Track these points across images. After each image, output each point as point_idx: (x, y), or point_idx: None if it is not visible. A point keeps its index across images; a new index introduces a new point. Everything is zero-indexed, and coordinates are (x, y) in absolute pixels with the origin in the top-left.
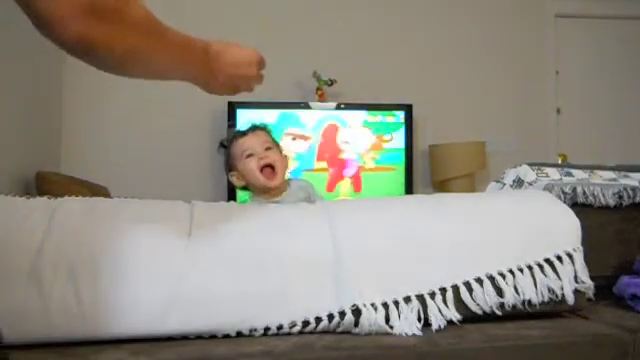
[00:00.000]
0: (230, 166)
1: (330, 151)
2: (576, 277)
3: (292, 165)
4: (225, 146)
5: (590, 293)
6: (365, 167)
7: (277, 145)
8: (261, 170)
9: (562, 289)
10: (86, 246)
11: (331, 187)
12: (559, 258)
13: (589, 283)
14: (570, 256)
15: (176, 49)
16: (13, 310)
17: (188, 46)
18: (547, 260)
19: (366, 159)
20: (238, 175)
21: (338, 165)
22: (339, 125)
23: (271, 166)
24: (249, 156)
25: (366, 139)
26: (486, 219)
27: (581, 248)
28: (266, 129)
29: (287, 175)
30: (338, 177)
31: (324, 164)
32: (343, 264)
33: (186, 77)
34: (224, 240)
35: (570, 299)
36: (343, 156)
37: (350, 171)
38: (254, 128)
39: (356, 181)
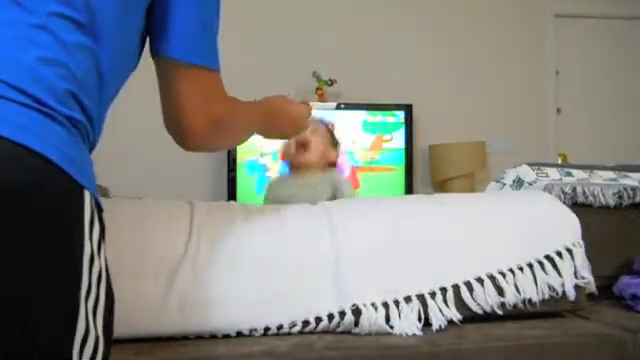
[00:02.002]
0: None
1: None
2: (576, 273)
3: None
4: None
5: (592, 288)
6: (364, 167)
7: (329, 138)
8: (297, 147)
9: (563, 286)
10: None
11: None
12: (559, 254)
13: (589, 278)
14: (570, 252)
15: (248, 121)
16: None
17: (255, 113)
18: (547, 257)
19: (365, 159)
20: (282, 150)
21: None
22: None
23: (305, 144)
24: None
25: (366, 139)
26: (486, 219)
27: (582, 243)
28: (322, 122)
29: (326, 165)
30: None
31: None
32: (343, 264)
33: (252, 135)
34: (224, 240)
35: (571, 295)
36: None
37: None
38: (314, 118)
39: (353, 181)
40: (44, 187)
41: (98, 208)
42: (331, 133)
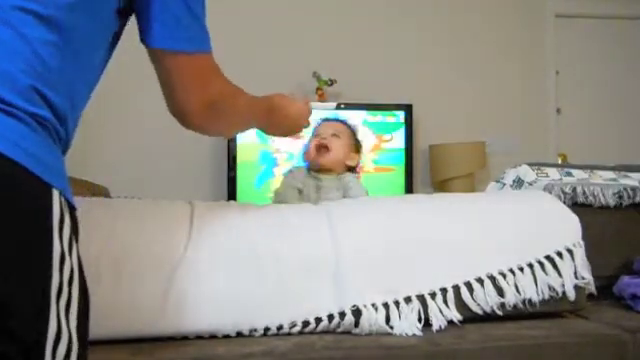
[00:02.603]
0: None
1: None
2: (576, 273)
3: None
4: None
5: (592, 288)
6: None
7: (352, 141)
8: (317, 148)
9: (563, 286)
10: (85, 246)
11: None
12: (559, 254)
13: (589, 278)
14: (570, 252)
15: (248, 110)
16: None
17: (255, 106)
18: (547, 257)
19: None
20: (305, 150)
21: None
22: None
23: (326, 147)
24: (316, 136)
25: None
26: (486, 219)
27: (582, 243)
28: (347, 125)
29: (344, 169)
30: None
31: None
32: (343, 264)
33: (252, 127)
34: (224, 240)
35: (571, 295)
36: None
37: None
38: (339, 119)
39: None
40: (7, 187)
41: (70, 207)
42: (355, 137)
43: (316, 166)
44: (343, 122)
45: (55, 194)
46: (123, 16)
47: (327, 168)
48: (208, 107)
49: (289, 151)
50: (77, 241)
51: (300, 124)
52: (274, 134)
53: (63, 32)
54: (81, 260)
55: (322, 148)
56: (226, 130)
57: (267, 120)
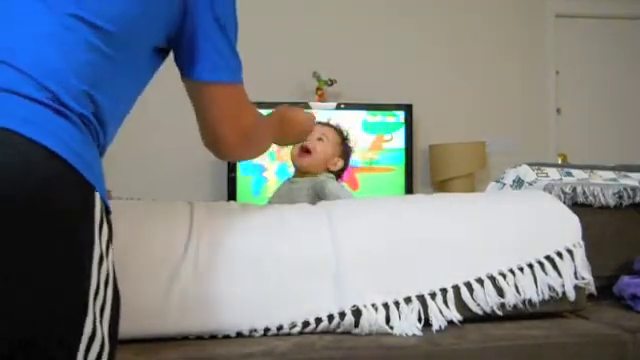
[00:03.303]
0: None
1: None
2: (576, 273)
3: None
4: None
5: (592, 288)
6: (364, 167)
7: (339, 145)
8: (299, 151)
9: (563, 286)
10: None
11: None
12: (559, 254)
13: (589, 278)
14: (570, 252)
15: (268, 131)
16: None
17: (271, 125)
18: (547, 257)
19: (365, 159)
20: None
21: None
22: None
23: (307, 150)
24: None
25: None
26: (486, 219)
27: (582, 244)
28: (336, 129)
29: (326, 172)
30: None
31: None
32: (343, 264)
33: (271, 142)
34: (224, 240)
35: (571, 295)
36: None
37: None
38: (327, 123)
39: (351, 182)
40: (58, 186)
41: (107, 210)
42: (343, 142)
43: (299, 168)
44: (333, 127)
45: (97, 196)
46: (160, 54)
47: (307, 170)
48: (244, 137)
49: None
50: (112, 245)
51: (307, 129)
52: (285, 144)
53: (116, 44)
54: (114, 263)
55: (305, 151)
56: (257, 154)
57: (281, 132)
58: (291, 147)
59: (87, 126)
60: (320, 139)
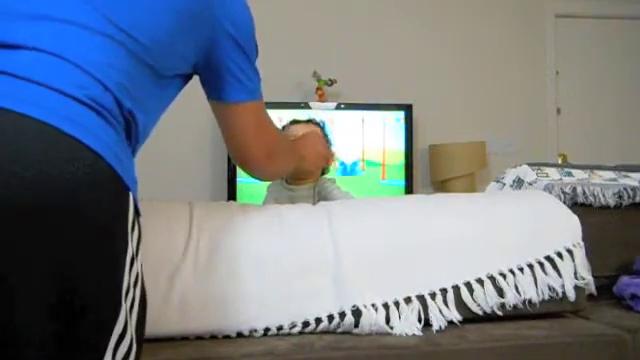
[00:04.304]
0: None
1: None
2: (576, 273)
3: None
4: (283, 128)
5: (592, 289)
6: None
7: (325, 141)
8: None
9: (563, 286)
10: None
11: None
12: (559, 255)
13: (589, 279)
14: (570, 252)
15: (291, 148)
16: None
17: (292, 144)
18: (547, 257)
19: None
20: None
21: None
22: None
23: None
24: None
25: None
26: (486, 219)
27: (582, 244)
28: (320, 125)
29: (323, 171)
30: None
31: None
32: (343, 265)
33: (295, 161)
34: (224, 240)
35: (571, 296)
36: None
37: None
38: (309, 121)
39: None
40: (98, 185)
41: (137, 212)
42: (326, 137)
43: (296, 175)
44: (315, 123)
45: (131, 198)
46: (184, 79)
47: (307, 175)
48: (268, 151)
49: None
50: (140, 246)
51: (321, 150)
52: (307, 167)
53: (150, 55)
54: (142, 264)
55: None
56: (282, 171)
57: (300, 155)
58: None
59: (122, 126)
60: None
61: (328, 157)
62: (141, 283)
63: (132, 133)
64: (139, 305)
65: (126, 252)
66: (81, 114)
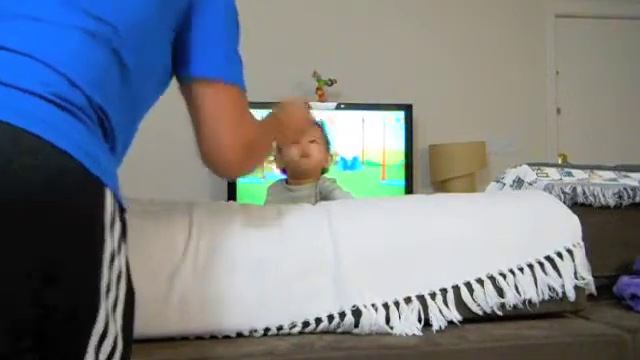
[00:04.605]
0: (279, 149)
1: None
2: (576, 273)
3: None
4: None
5: (592, 288)
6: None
7: (325, 142)
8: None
9: (563, 286)
10: None
11: None
12: (559, 255)
13: (589, 279)
14: (570, 252)
15: (269, 133)
16: None
17: (271, 125)
18: (547, 257)
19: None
20: (280, 157)
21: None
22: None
23: (307, 155)
24: (294, 143)
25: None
26: (486, 219)
27: (582, 244)
28: (320, 125)
29: (323, 171)
30: None
31: None
32: (343, 265)
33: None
34: (224, 240)
35: (571, 296)
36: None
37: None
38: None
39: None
40: (67, 185)
41: (120, 208)
42: (327, 137)
43: (298, 174)
44: (318, 125)
45: (108, 193)
46: (161, 82)
47: (307, 175)
48: (243, 147)
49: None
50: (125, 242)
51: (305, 125)
52: (285, 143)
53: (126, 46)
54: (128, 262)
55: (304, 156)
56: (258, 164)
57: (280, 128)
58: (291, 154)
59: (95, 122)
60: (313, 141)
61: (309, 121)
62: (126, 280)
63: (107, 130)
64: (125, 302)
65: (103, 249)
66: (46, 112)
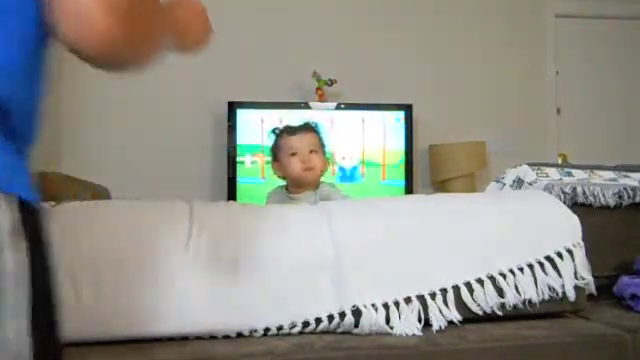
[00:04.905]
0: (275, 155)
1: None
2: (576, 273)
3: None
4: (275, 134)
5: (592, 288)
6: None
7: (322, 147)
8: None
9: (563, 286)
10: (85, 247)
11: None
12: (559, 255)
13: (588, 279)
14: (570, 252)
15: (160, 11)
16: None
17: (167, 9)
18: (547, 257)
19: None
20: (279, 165)
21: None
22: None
23: (311, 168)
24: (294, 154)
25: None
26: (486, 219)
27: (582, 244)
28: (315, 130)
29: (322, 177)
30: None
31: None
32: (343, 265)
33: (168, 38)
34: (224, 240)
35: (571, 296)
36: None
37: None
38: (305, 128)
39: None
40: None
41: (23, 209)
42: (323, 143)
43: (301, 184)
44: (311, 128)
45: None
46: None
47: (311, 184)
48: (111, 5)
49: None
50: (29, 239)
51: (206, 23)
52: (185, 44)
53: None
54: (37, 261)
55: (307, 170)
56: (141, 46)
57: (174, 20)
58: (293, 167)
59: None
60: (313, 151)
61: (209, 26)
62: (29, 281)
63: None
64: (27, 306)
65: None
66: None
